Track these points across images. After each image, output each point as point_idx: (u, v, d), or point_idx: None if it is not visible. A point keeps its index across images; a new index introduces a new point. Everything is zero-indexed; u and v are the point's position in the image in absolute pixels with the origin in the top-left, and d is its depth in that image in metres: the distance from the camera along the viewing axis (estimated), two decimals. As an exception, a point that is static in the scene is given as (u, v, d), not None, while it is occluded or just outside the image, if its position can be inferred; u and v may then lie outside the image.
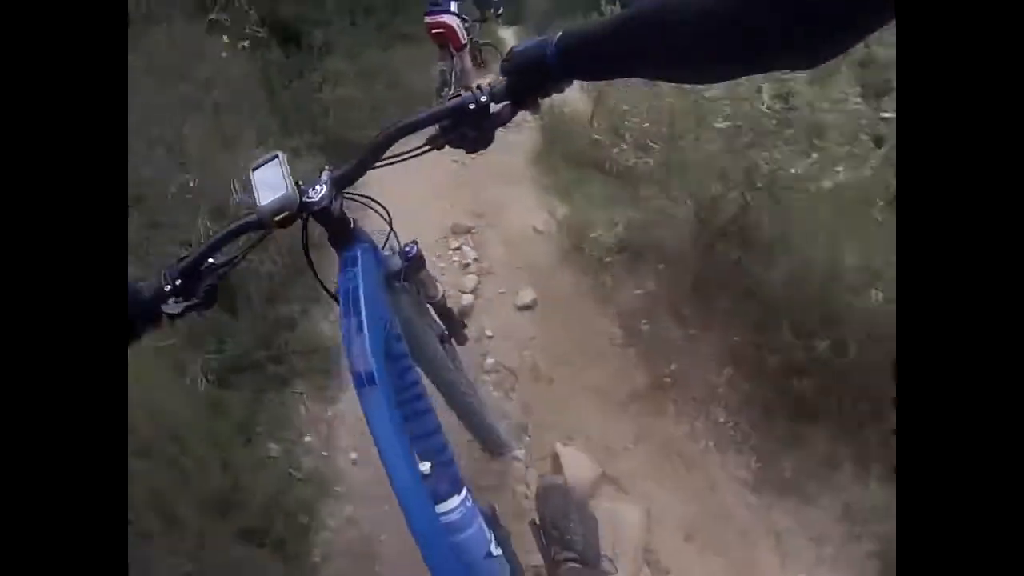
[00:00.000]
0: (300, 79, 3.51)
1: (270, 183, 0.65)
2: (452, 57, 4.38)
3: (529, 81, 0.62)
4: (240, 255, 0.72)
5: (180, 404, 1.36)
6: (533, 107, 0.64)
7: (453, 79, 4.34)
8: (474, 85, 0.65)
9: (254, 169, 0.66)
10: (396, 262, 0.87)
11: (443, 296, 1.11)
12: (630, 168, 2.56)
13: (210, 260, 0.68)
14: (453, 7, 4.36)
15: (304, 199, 0.65)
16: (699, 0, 0.44)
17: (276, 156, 0.66)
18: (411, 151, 0.69)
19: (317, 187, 0.67)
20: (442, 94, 3.97)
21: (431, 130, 0.67)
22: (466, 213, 2.70)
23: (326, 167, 0.70)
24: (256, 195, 0.64)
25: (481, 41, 5.54)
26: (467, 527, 0.63)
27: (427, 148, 0.68)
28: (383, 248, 0.88)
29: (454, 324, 1.21)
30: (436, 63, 4.39)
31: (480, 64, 5.36)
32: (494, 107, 0.63)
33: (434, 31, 4.31)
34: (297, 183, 0.66)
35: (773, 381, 1.49)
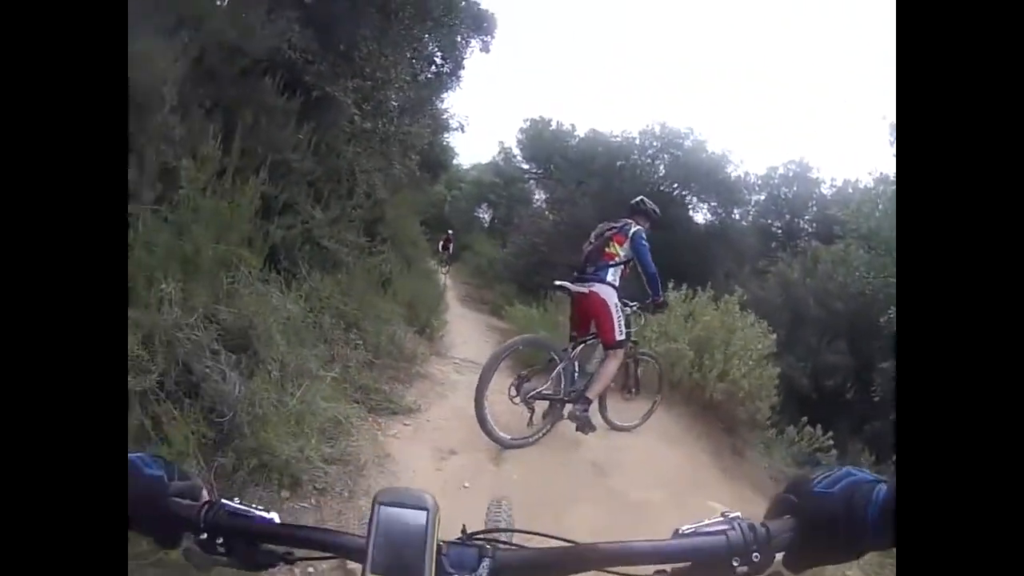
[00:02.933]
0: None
1: (400, 540, 0.39)
2: (576, 351, 2.85)
3: (827, 543, 0.39)
4: None
5: None
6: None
7: (568, 385, 2.76)
8: (728, 512, 0.41)
9: (382, 503, 0.41)
10: None
11: None
12: None
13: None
14: (611, 276, 2.87)
15: None
16: None
17: (427, 507, 0.41)
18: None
19: None
20: (534, 422, 2.62)
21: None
22: None
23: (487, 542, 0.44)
24: (371, 549, 0.39)
25: (642, 351, 3.39)
26: None
27: None
28: None
29: None
30: (515, 344, 2.83)
31: (631, 388, 3.25)
32: (756, 558, 0.39)
33: (579, 306, 2.92)
34: (439, 550, 0.41)
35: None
